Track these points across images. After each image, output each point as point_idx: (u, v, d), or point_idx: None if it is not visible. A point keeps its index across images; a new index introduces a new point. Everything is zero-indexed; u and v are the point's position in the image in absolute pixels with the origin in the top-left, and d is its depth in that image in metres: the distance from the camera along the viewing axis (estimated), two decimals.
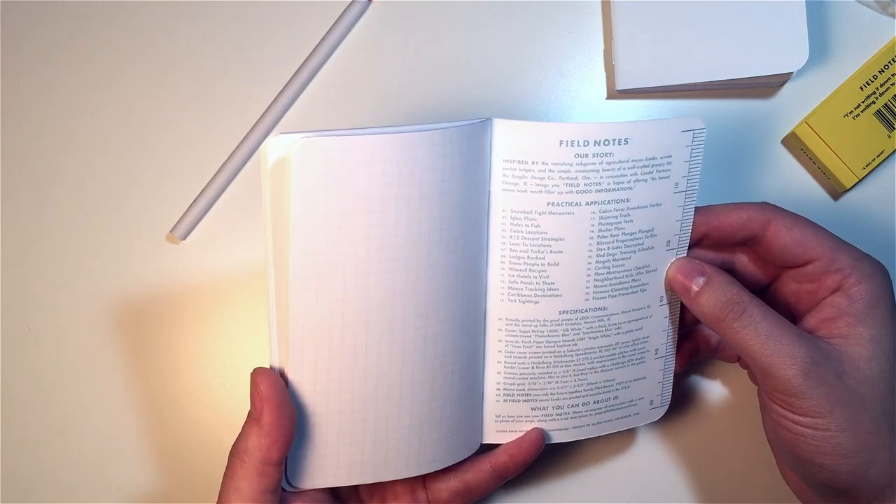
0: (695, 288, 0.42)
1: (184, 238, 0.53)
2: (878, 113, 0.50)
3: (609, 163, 0.42)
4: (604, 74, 0.53)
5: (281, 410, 0.39)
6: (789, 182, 0.52)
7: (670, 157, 0.43)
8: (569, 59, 0.53)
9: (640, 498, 0.52)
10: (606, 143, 0.41)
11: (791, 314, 0.45)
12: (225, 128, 0.53)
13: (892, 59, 0.51)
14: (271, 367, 0.41)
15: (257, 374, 0.40)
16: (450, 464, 0.44)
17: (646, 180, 0.42)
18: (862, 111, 0.50)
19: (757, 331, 0.41)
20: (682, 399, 0.52)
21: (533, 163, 0.42)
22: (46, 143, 0.54)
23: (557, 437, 0.46)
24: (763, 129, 0.52)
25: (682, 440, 0.52)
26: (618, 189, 0.42)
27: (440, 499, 0.45)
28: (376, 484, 0.45)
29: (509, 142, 0.41)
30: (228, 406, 0.53)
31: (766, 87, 0.52)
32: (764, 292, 0.47)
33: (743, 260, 0.47)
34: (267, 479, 0.39)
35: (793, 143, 0.52)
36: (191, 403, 0.53)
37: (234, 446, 0.40)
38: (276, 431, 0.39)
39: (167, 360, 0.53)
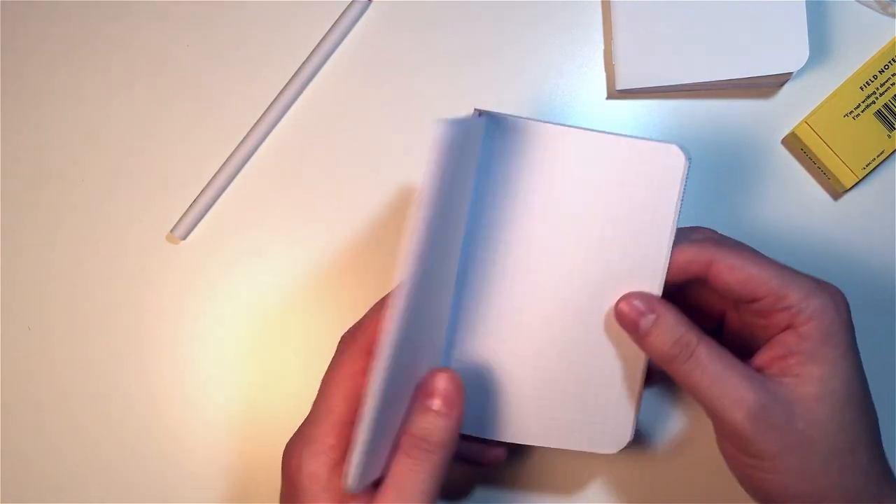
0: (644, 326, 0.41)
1: (184, 238, 0.53)
2: (878, 113, 0.50)
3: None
4: (604, 74, 0.53)
5: (462, 406, 0.40)
6: (789, 182, 0.52)
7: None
8: (569, 59, 0.53)
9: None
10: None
11: (746, 345, 0.44)
12: (225, 128, 0.53)
13: (892, 59, 0.51)
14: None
15: (445, 376, 0.41)
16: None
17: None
18: (862, 111, 0.50)
19: (705, 373, 0.40)
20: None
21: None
22: (46, 143, 0.54)
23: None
24: (763, 129, 0.52)
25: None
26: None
27: None
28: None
29: None
30: (229, 406, 0.53)
31: (766, 87, 0.52)
32: (720, 322, 0.46)
33: (698, 290, 0.45)
34: (445, 471, 0.40)
35: (793, 143, 0.52)
36: (190, 404, 0.53)
37: (412, 433, 0.40)
38: (458, 427, 0.40)
39: (167, 361, 0.53)
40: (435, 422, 0.40)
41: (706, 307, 0.46)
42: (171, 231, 0.53)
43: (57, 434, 0.53)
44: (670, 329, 0.41)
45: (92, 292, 0.53)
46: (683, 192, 0.42)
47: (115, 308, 0.53)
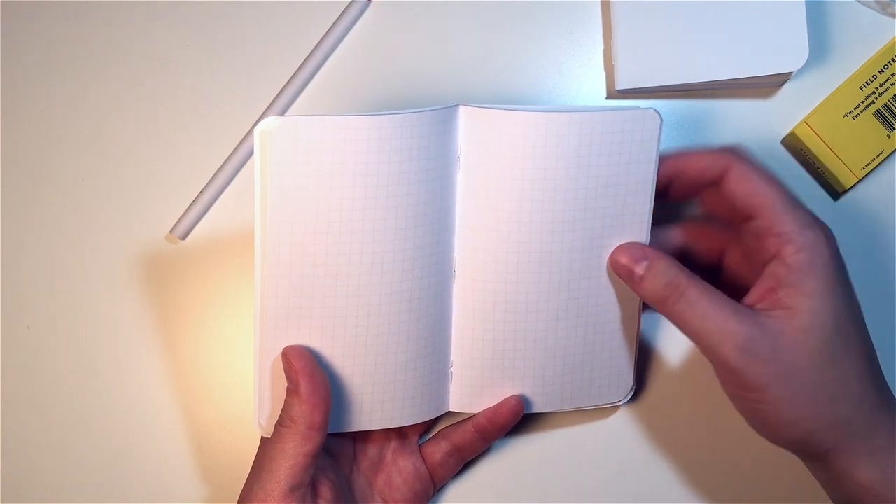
0: (638, 272, 0.44)
1: (184, 238, 0.53)
2: (878, 113, 0.50)
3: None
4: (604, 74, 0.53)
5: (314, 378, 0.43)
6: (789, 182, 0.52)
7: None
8: (569, 59, 0.53)
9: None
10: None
11: (743, 284, 0.46)
12: (225, 128, 0.53)
13: (892, 59, 0.51)
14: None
15: (289, 350, 0.44)
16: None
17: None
18: (861, 111, 0.51)
19: (694, 311, 0.42)
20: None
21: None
22: (46, 143, 0.54)
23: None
24: (763, 129, 0.52)
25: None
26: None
27: (436, 461, 0.49)
28: (380, 461, 0.49)
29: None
30: (228, 406, 0.53)
31: (766, 87, 0.52)
32: (718, 266, 0.48)
33: (694, 235, 0.49)
34: (311, 444, 0.43)
35: (793, 143, 0.52)
36: (190, 404, 0.53)
37: (279, 418, 0.44)
38: (315, 397, 0.43)
39: (167, 361, 0.53)
40: (289, 401, 0.44)
41: (706, 245, 0.48)
42: (171, 231, 0.53)
43: (57, 434, 0.53)
44: (662, 272, 0.43)
45: (92, 292, 0.53)
46: (659, 149, 0.45)
47: (114, 308, 0.53)
